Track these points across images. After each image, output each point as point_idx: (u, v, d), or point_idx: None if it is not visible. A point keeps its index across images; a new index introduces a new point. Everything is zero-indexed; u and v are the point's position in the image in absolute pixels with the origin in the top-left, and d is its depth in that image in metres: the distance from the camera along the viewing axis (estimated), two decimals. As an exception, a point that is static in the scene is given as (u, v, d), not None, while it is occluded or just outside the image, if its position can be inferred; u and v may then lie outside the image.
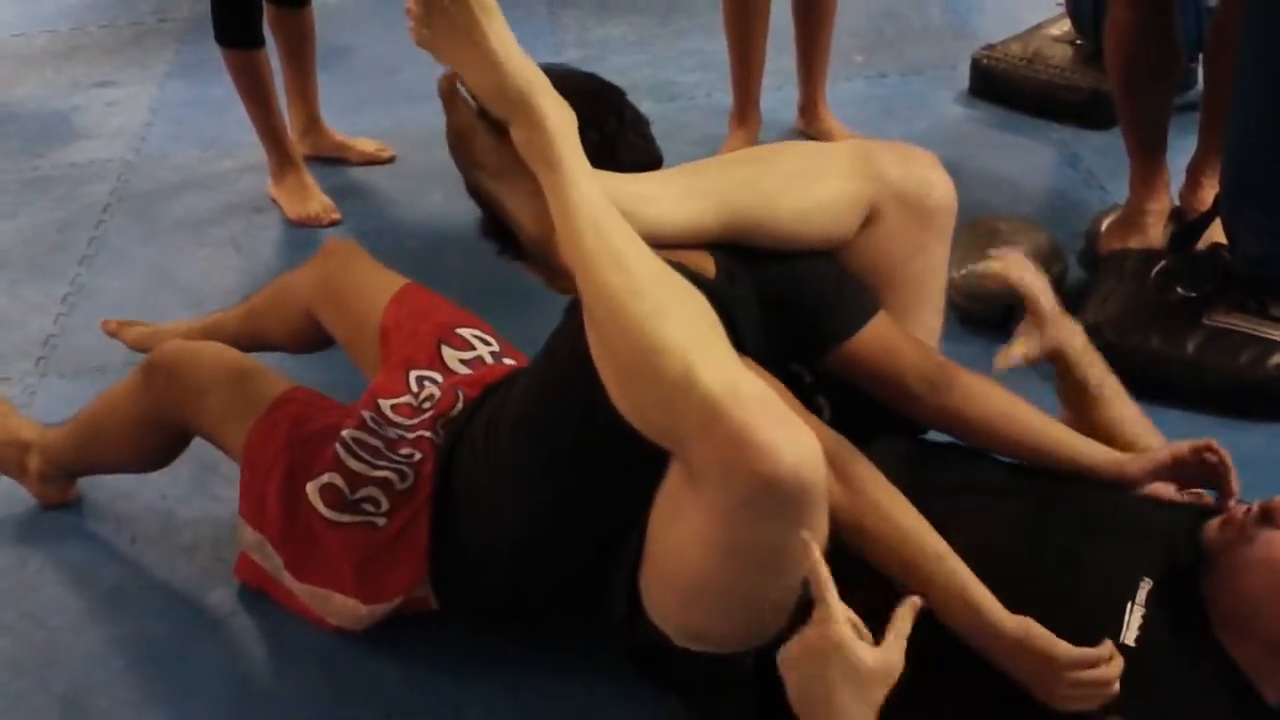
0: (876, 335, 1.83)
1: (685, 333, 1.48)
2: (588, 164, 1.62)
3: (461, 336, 2.17)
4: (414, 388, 2.04)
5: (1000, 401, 1.84)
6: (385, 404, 2.01)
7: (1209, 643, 1.61)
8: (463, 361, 2.12)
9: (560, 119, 1.62)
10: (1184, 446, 1.80)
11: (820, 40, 3.49)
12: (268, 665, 2.10)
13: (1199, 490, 1.82)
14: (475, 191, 1.80)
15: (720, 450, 1.41)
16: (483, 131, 1.69)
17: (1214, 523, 1.65)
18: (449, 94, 1.71)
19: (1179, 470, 1.80)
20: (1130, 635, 1.59)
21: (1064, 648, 1.54)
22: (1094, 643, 1.56)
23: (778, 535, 1.45)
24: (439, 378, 2.07)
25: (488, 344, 2.18)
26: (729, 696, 1.74)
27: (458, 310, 2.25)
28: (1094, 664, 1.53)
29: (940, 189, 1.88)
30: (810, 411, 1.73)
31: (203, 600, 2.20)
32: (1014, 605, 1.60)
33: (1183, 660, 1.58)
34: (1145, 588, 1.62)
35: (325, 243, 2.41)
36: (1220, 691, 1.61)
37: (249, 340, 2.42)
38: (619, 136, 1.82)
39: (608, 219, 1.57)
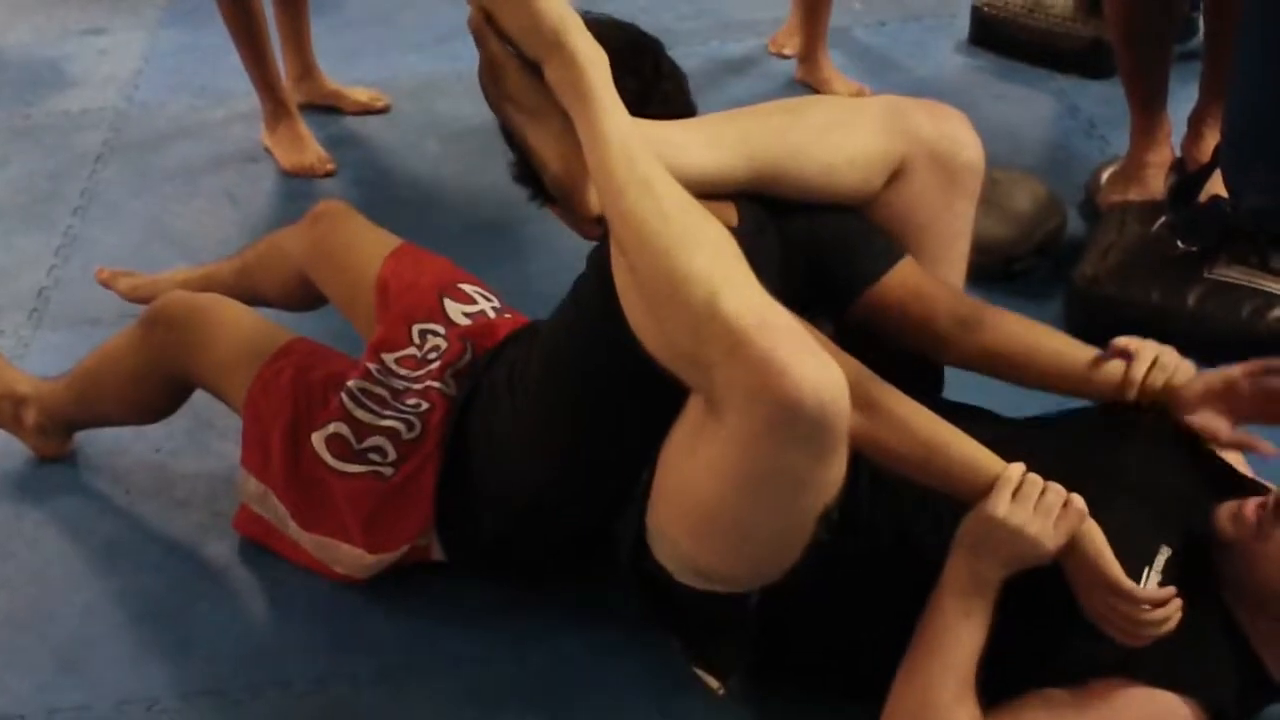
0: (906, 277, 1.84)
1: (712, 259, 1.49)
2: (619, 100, 1.62)
3: (463, 290, 2.16)
4: (416, 340, 2.04)
5: (1036, 334, 1.84)
6: (389, 357, 2.00)
7: (1219, 615, 1.61)
8: (465, 315, 2.11)
9: (593, 56, 1.62)
10: (1236, 370, 1.77)
11: None
12: (265, 619, 2.10)
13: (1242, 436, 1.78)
14: (506, 130, 1.79)
15: (745, 375, 1.42)
16: (514, 66, 1.69)
17: (1225, 511, 1.64)
18: (480, 28, 1.70)
19: (1232, 395, 1.77)
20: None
21: (1108, 564, 1.55)
22: None
23: (797, 464, 1.46)
24: (441, 329, 2.06)
25: (489, 299, 2.17)
26: (730, 637, 1.75)
27: (457, 268, 2.23)
28: (1127, 596, 1.54)
29: (970, 149, 1.88)
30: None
31: (199, 554, 2.20)
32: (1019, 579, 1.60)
33: (1192, 629, 1.58)
34: (1164, 555, 1.62)
35: (316, 204, 2.37)
36: (1226, 662, 1.62)
37: (243, 296, 2.40)
38: (654, 86, 1.82)
39: (638, 149, 1.58)
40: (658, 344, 1.54)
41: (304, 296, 2.38)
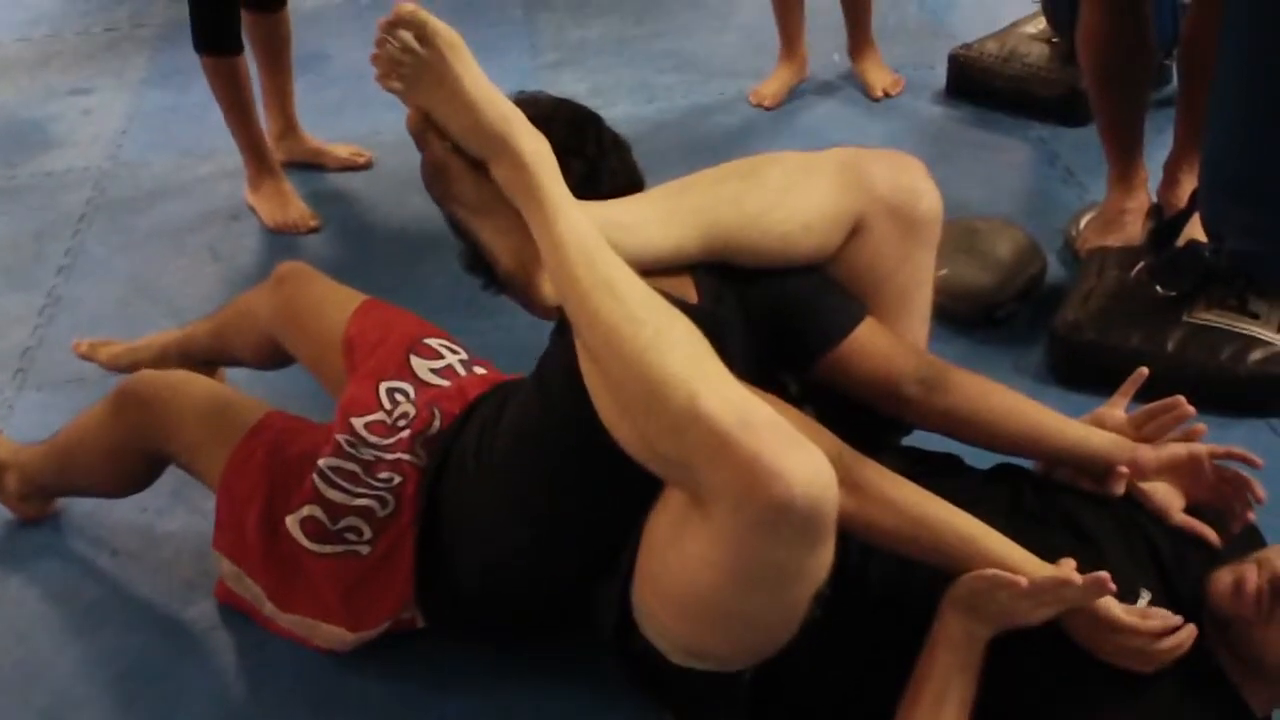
0: (865, 340, 1.83)
1: (686, 359, 1.47)
2: (570, 195, 1.61)
3: (429, 346, 2.13)
4: (386, 403, 2.01)
5: (996, 396, 1.84)
6: (359, 422, 1.97)
7: (1199, 655, 1.61)
8: (433, 371, 2.09)
9: (539, 152, 1.62)
10: (1203, 450, 1.78)
11: None
12: (251, 680, 2.08)
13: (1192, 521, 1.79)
14: (454, 226, 1.79)
15: (732, 477, 1.40)
16: (458, 167, 1.69)
17: (1223, 581, 1.61)
18: (419, 130, 1.70)
19: (1193, 473, 1.79)
20: None
21: (1106, 606, 1.55)
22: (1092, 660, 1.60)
23: (789, 558, 1.45)
24: (410, 390, 2.04)
25: (455, 352, 2.15)
26: (725, 711, 1.74)
27: (422, 322, 2.22)
28: (1135, 632, 1.56)
29: (928, 198, 1.86)
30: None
31: (184, 614, 2.19)
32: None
33: (1173, 671, 1.60)
34: (1145, 598, 1.63)
35: (277, 267, 2.36)
36: (1208, 702, 1.62)
37: (219, 358, 2.40)
38: (600, 163, 1.82)
39: (597, 248, 1.56)
40: (635, 445, 1.53)
41: (275, 356, 2.36)
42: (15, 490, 2.35)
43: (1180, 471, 1.80)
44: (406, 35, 1.64)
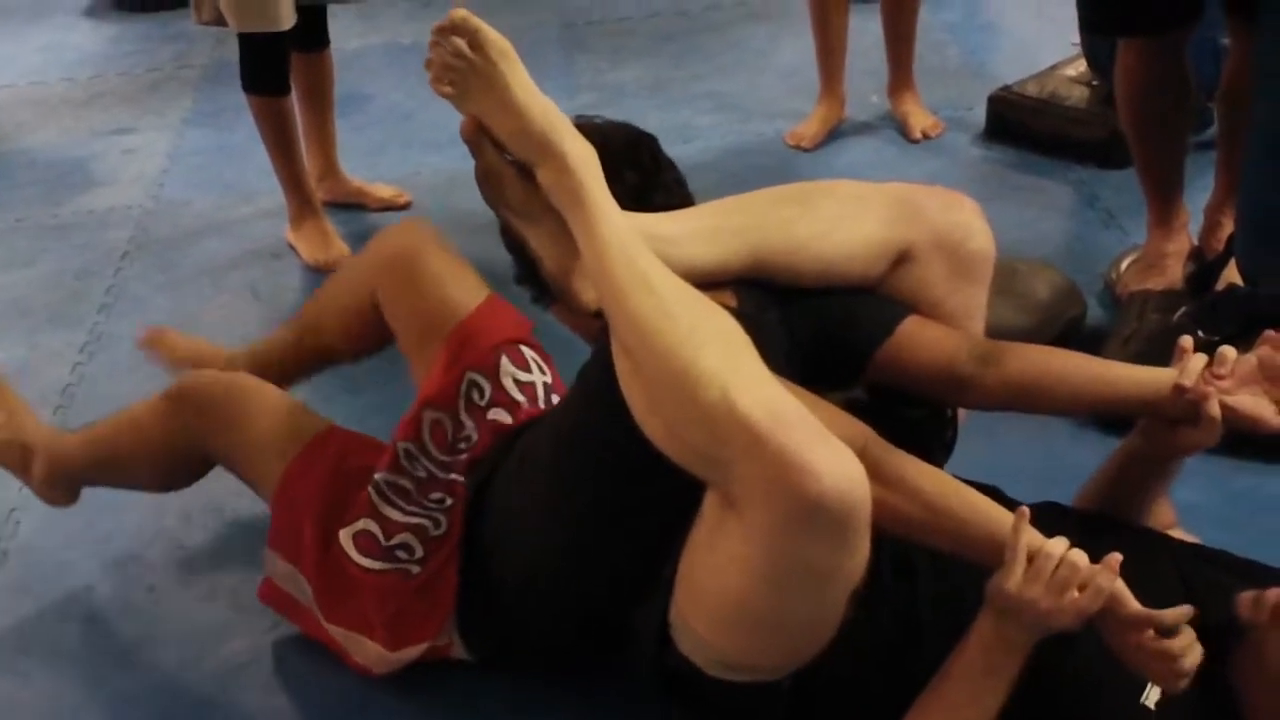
0: (914, 331, 1.82)
1: (720, 355, 1.49)
2: (613, 200, 1.64)
3: (523, 354, 2.11)
4: (461, 402, 1.99)
5: (1057, 359, 1.81)
6: (428, 416, 1.97)
7: (1227, 713, 1.59)
8: (517, 382, 2.07)
9: (585, 157, 1.65)
10: (1263, 347, 1.70)
11: (905, 26, 3.82)
12: (289, 716, 2.08)
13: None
14: (504, 232, 1.82)
15: (763, 471, 1.41)
16: (509, 173, 1.71)
17: (1247, 598, 1.61)
18: (474, 137, 1.73)
19: (1268, 370, 1.70)
20: (1152, 698, 1.59)
21: (1132, 605, 1.51)
22: (1120, 704, 1.57)
23: (821, 556, 1.45)
24: (487, 388, 2.02)
25: (544, 374, 2.13)
26: None
27: (529, 333, 2.16)
28: (1157, 626, 1.51)
29: (979, 236, 1.86)
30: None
31: (222, 650, 2.19)
32: (1044, 656, 1.58)
33: (1190, 698, 1.56)
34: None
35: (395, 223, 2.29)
36: None
37: (299, 341, 2.37)
38: (655, 177, 1.86)
39: (636, 248, 1.59)
40: (668, 442, 1.53)
41: (361, 333, 2.28)
42: (42, 476, 2.33)
43: (1264, 372, 1.71)
44: (459, 41, 1.66)
